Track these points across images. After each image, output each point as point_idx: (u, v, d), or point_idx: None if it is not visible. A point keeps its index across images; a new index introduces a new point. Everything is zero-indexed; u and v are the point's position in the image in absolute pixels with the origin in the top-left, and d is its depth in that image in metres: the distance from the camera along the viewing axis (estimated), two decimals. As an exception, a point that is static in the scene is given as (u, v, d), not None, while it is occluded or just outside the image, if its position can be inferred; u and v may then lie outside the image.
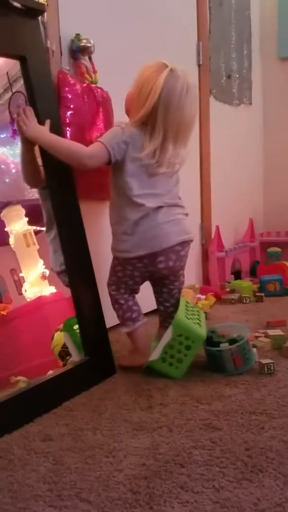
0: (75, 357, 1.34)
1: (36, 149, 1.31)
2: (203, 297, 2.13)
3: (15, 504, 0.81)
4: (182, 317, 1.31)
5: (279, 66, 2.90)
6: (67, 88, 1.42)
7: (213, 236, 2.40)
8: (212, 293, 2.19)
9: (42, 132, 1.25)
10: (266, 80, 2.95)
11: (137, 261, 1.33)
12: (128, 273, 1.36)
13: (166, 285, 1.41)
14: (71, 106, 1.41)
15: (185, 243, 1.37)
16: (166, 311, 1.44)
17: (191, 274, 2.36)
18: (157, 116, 1.24)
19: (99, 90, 1.53)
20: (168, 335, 1.29)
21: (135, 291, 1.42)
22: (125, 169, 1.28)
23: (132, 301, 1.41)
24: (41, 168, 1.34)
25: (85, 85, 1.50)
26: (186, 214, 1.40)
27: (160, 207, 1.31)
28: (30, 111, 1.26)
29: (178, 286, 1.42)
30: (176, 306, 1.39)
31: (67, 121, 1.41)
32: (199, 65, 2.31)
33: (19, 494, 0.84)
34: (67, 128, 1.41)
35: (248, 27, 2.77)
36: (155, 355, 1.30)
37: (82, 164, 1.26)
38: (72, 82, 1.44)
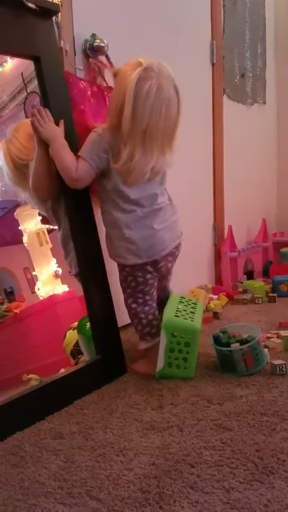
0: (87, 357, 1.34)
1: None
2: (215, 297, 2.12)
3: (26, 501, 0.82)
4: (169, 316, 1.30)
5: (294, 64, 2.88)
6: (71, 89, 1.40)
7: (225, 236, 2.39)
8: (225, 293, 2.19)
9: (57, 135, 1.24)
10: (281, 79, 2.93)
11: (145, 265, 1.33)
12: (140, 280, 1.34)
13: (162, 282, 1.44)
14: (74, 107, 1.40)
15: (179, 244, 1.40)
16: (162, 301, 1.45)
17: (203, 274, 2.35)
18: (125, 119, 1.18)
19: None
20: (163, 340, 1.29)
21: (152, 298, 1.38)
22: (112, 175, 1.26)
23: (153, 315, 1.37)
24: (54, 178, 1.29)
25: (94, 85, 1.49)
26: (176, 214, 1.40)
27: (152, 211, 1.30)
28: (46, 112, 1.25)
29: (170, 280, 1.47)
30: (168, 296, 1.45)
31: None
32: (212, 64, 2.29)
33: (30, 490, 0.85)
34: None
35: (262, 25, 2.75)
36: (159, 364, 1.30)
37: (73, 186, 1.26)
38: (77, 82, 1.43)
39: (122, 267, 1.35)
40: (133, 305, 1.36)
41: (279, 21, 2.88)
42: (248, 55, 2.60)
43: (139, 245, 1.30)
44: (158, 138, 1.22)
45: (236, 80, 2.51)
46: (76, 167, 1.24)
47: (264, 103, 2.81)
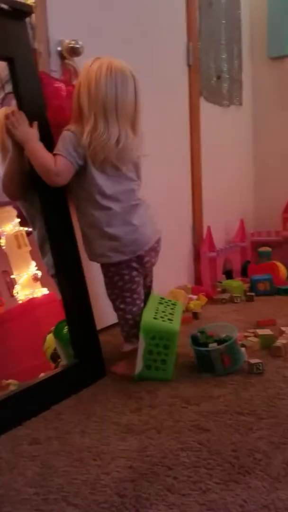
0: (65, 362, 1.33)
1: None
2: (195, 297, 2.13)
3: (1, 508, 0.81)
4: (148, 319, 1.30)
5: (269, 66, 2.91)
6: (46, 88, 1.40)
7: (204, 236, 2.41)
8: (204, 293, 2.20)
9: (32, 137, 1.24)
10: (256, 81, 2.96)
11: (130, 262, 1.32)
12: (127, 278, 1.34)
13: (146, 280, 1.44)
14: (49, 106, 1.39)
15: (160, 239, 1.41)
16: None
17: (183, 274, 2.36)
18: (83, 102, 1.24)
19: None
20: (141, 343, 1.29)
21: (140, 297, 1.37)
22: (88, 172, 1.27)
23: (140, 316, 1.34)
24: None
25: (70, 86, 1.48)
26: (151, 209, 1.42)
27: (130, 206, 1.31)
28: (20, 114, 1.24)
29: (151, 277, 1.48)
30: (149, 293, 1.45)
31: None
32: (189, 66, 2.31)
33: (6, 498, 0.84)
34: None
35: (238, 27, 2.77)
36: (138, 366, 1.30)
37: (53, 182, 1.25)
38: (52, 82, 1.42)
39: (106, 268, 1.35)
40: (122, 306, 1.36)
41: (254, 23, 2.90)
42: (224, 57, 2.62)
43: (123, 241, 1.30)
44: (118, 114, 1.25)
45: (213, 82, 2.53)
46: (55, 162, 1.23)
47: (240, 104, 2.83)
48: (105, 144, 1.24)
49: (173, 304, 1.46)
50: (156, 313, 1.35)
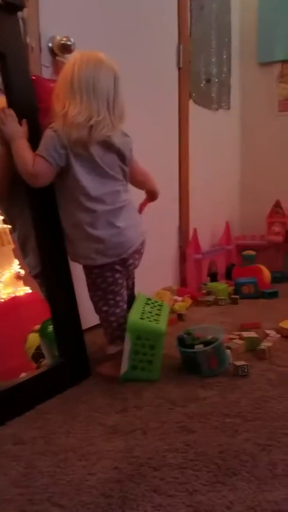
0: (49, 361, 1.32)
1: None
2: (180, 298, 2.13)
3: (-15, 510, 0.79)
4: (134, 319, 1.30)
5: (258, 71, 2.94)
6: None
7: (190, 238, 2.42)
8: (189, 295, 2.20)
9: (18, 135, 1.22)
10: (245, 85, 2.98)
11: (113, 264, 1.32)
12: (110, 281, 1.33)
13: (129, 281, 1.44)
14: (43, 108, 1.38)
15: (144, 241, 1.40)
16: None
17: (168, 276, 2.36)
18: (60, 90, 1.24)
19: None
20: (127, 343, 1.28)
21: (123, 299, 1.37)
22: (73, 173, 1.25)
23: (123, 318, 1.34)
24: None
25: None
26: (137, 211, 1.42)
27: (116, 209, 1.30)
28: (10, 111, 1.23)
29: (133, 279, 1.47)
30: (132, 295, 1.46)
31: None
32: (179, 68, 2.31)
33: (-11, 499, 0.82)
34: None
35: (228, 32, 2.79)
36: (124, 367, 1.29)
37: (31, 184, 1.23)
38: (46, 83, 1.40)
39: (90, 270, 1.33)
40: (104, 308, 1.34)
41: (244, 28, 2.93)
42: (214, 60, 2.64)
43: (107, 244, 1.29)
44: (90, 94, 1.23)
45: (202, 85, 2.54)
46: (33, 163, 1.21)
47: (229, 108, 2.85)
48: (75, 120, 1.21)
49: (159, 305, 1.46)
50: (142, 313, 1.34)
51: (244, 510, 0.77)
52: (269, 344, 1.49)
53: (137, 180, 1.44)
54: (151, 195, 1.52)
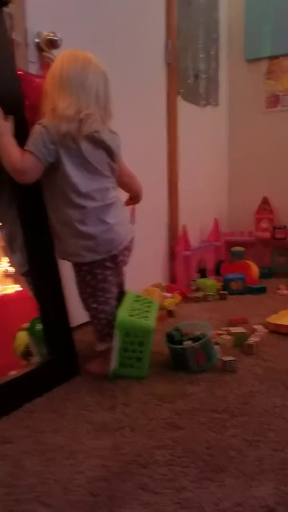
0: (38, 359, 1.31)
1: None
2: (169, 295, 2.14)
3: (-29, 510, 0.79)
4: (123, 316, 1.29)
5: (246, 68, 2.94)
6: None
7: (180, 235, 2.42)
8: (178, 291, 2.21)
9: (5, 130, 1.20)
10: (233, 82, 2.99)
11: (103, 261, 1.31)
12: (100, 278, 1.32)
13: (119, 278, 1.44)
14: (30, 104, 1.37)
15: (133, 238, 1.39)
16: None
17: (158, 272, 2.36)
18: (49, 86, 1.25)
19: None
20: (116, 340, 1.28)
21: (113, 295, 1.36)
22: (62, 169, 1.24)
23: (112, 315, 1.32)
24: None
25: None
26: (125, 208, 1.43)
27: (105, 206, 1.29)
28: None
29: (123, 275, 1.47)
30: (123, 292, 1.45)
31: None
32: (167, 64, 2.31)
33: (-24, 499, 0.82)
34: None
35: (215, 28, 2.79)
36: (112, 364, 1.29)
37: (19, 180, 1.22)
38: (32, 79, 1.39)
39: (79, 267, 1.33)
40: (94, 305, 1.34)
41: (232, 25, 2.93)
42: (202, 56, 2.64)
43: (98, 240, 1.28)
44: (79, 89, 1.24)
45: (190, 81, 2.53)
46: (22, 159, 1.20)
47: (217, 105, 2.85)
48: (65, 113, 1.21)
49: (149, 302, 1.46)
50: (131, 310, 1.34)
51: (232, 506, 0.77)
52: (257, 339, 1.50)
53: (123, 181, 1.43)
54: (135, 198, 1.51)
